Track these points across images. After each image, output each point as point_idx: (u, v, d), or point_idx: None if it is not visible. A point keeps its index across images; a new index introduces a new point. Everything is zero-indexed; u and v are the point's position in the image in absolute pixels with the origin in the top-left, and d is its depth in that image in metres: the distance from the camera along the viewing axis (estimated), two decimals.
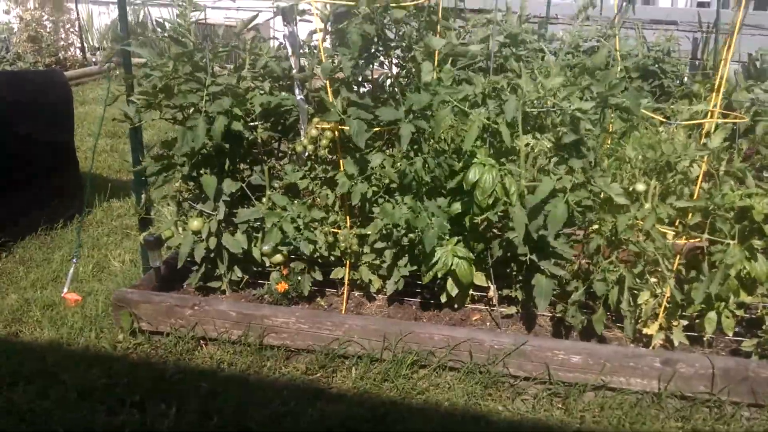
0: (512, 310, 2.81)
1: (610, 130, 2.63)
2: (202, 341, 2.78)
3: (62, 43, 9.01)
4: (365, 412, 2.35)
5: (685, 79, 6.08)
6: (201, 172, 2.67)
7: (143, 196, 2.90)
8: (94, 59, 9.48)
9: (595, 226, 2.45)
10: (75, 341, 2.81)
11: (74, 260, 3.30)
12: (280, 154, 3.02)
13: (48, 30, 8.67)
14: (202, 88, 2.49)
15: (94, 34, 10.08)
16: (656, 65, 5.84)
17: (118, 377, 2.49)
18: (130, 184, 5.10)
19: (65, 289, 3.22)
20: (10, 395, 2.37)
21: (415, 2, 2.44)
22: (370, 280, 2.84)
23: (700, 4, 7.17)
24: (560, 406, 2.46)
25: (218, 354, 2.71)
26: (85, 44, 9.47)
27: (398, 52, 2.61)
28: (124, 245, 3.97)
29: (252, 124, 2.62)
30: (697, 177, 2.47)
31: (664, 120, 2.47)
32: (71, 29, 9.15)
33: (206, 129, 2.47)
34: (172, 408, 2.33)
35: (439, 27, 2.58)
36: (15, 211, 3.86)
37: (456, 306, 2.86)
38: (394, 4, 2.32)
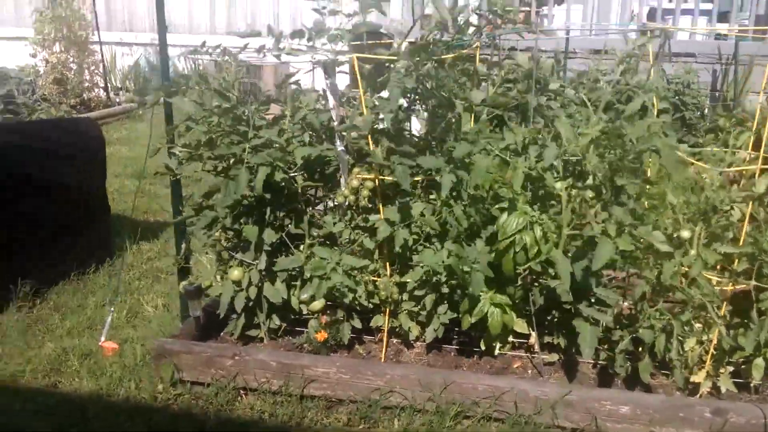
0: (554, 357, 2.78)
1: (648, 175, 2.62)
2: (242, 391, 2.77)
3: (86, 84, 9.19)
4: None
5: (706, 110, 6.09)
6: (242, 222, 2.69)
7: (183, 245, 2.93)
8: (117, 99, 9.66)
9: (640, 273, 2.43)
10: (115, 392, 2.81)
11: (111, 308, 3.31)
12: (317, 203, 3.05)
13: (73, 72, 8.85)
14: (244, 140, 2.52)
15: (117, 74, 10.29)
16: (677, 98, 5.85)
17: (159, 429, 2.48)
18: (157, 226, 5.16)
19: (102, 338, 3.23)
20: None
21: (453, 56, 2.48)
22: (409, 328, 2.83)
23: (718, 37, 7.20)
24: None
25: (259, 404, 2.70)
26: (109, 85, 9.66)
27: (434, 102, 2.64)
28: (155, 289, 3.99)
29: (292, 174, 2.65)
30: (740, 221, 2.45)
31: (708, 167, 2.46)
32: (95, 70, 9.33)
33: (248, 179, 2.50)
34: None
35: (476, 78, 2.61)
36: (48, 258, 3.90)
37: (496, 353, 2.83)
38: (435, 58, 2.36)
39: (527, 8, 7.30)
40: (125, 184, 6.41)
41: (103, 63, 9.45)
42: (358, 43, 2.61)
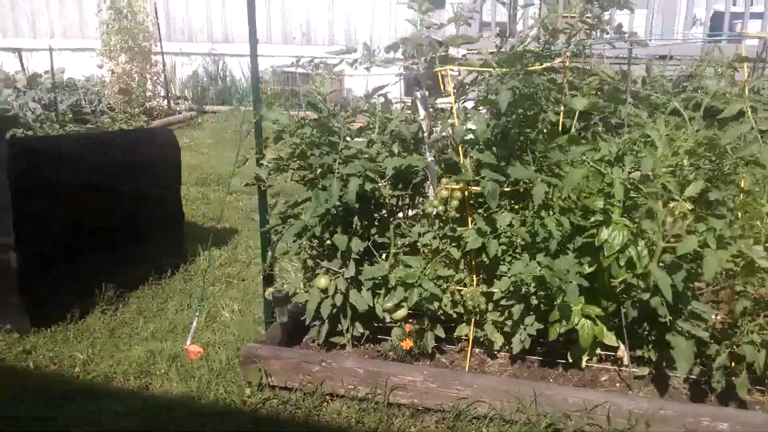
0: (644, 371, 2.74)
1: (744, 186, 2.56)
2: (328, 397, 2.81)
3: (149, 93, 9.47)
4: None
5: None
6: (331, 231, 2.73)
7: (268, 253, 2.99)
8: (177, 108, 9.92)
9: (739, 288, 2.38)
10: (204, 395, 2.88)
11: (197, 313, 3.41)
12: (399, 210, 3.08)
13: (137, 82, 9.14)
14: (335, 151, 2.57)
15: (177, 83, 10.58)
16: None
17: None
18: (224, 232, 5.28)
19: (188, 342, 3.32)
20: None
21: (545, 66, 2.48)
22: (493, 338, 2.82)
23: None
24: None
25: (345, 411, 2.73)
26: (169, 94, 9.94)
27: (522, 111, 2.64)
28: (229, 294, 4.08)
29: (380, 184, 2.68)
30: None
31: None
32: (157, 80, 9.61)
33: (339, 190, 2.54)
34: None
35: (566, 89, 2.60)
36: (129, 263, 4.04)
37: (583, 365, 2.81)
38: (528, 69, 2.36)
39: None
40: (190, 191, 6.58)
41: (164, 73, 9.73)
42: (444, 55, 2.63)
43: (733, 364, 2.56)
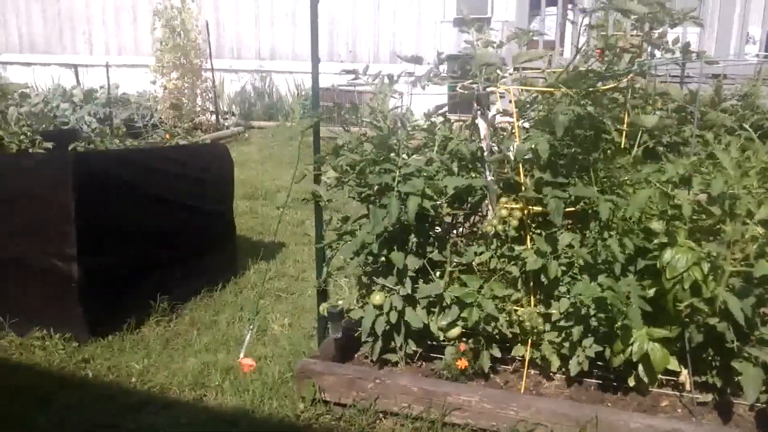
0: (708, 397, 2.66)
1: None
2: (381, 414, 2.81)
3: (198, 109, 9.70)
4: None
5: None
6: (388, 248, 2.74)
7: (324, 269, 3.02)
8: (225, 123, 10.13)
9: None
10: (259, 409, 2.91)
11: (250, 327, 3.45)
12: (454, 230, 3.07)
13: (187, 97, 9.37)
14: (394, 168, 2.59)
15: (225, 99, 10.82)
16: None
17: None
18: (272, 246, 5.35)
19: (241, 355, 3.36)
20: None
21: (608, 87, 2.46)
22: (550, 360, 2.78)
23: None
24: None
25: (399, 429, 2.72)
26: (218, 109, 10.16)
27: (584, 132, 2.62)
28: (279, 308, 4.12)
29: (438, 203, 2.69)
30: None
31: None
32: (206, 96, 9.84)
33: (398, 207, 2.55)
34: None
35: (628, 106, 2.57)
36: (183, 276, 4.12)
37: (644, 390, 2.74)
38: (592, 89, 2.35)
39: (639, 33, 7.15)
40: (238, 205, 6.67)
41: (214, 89, 9.96)
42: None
43: None
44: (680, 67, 2.65)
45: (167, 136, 8.02)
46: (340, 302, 3.00)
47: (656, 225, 2.46)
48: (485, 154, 2.56)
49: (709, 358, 2.61)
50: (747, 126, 2.51)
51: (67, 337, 3.52)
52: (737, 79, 5.25)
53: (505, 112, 2.68)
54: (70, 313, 3.51)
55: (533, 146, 2.36)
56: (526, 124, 2.86)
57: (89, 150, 4.50)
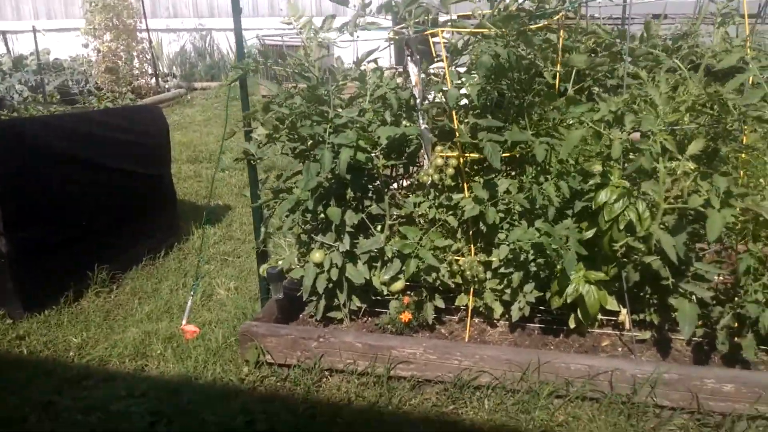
0: (646, 334, 2.70)
1: (746, 142, 2.49)
2: (327, 373, 2.77)
3: (136, 71, 9.31)
4: None
5: None
6: (324, 204, 2.66)
7: (262, 229, 2.93)
8: (166, 86, 9.77)
9: (743, 247, 2.33)
10: (202, 375, 2.84)
11: (192, 292, 3.35)
12: (393, 181, 3.00)
13: (123, 60, 8.97)
14: (325, 121, 2.49)
15: (165, 61, 10.41)
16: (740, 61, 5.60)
17: (255, 414, 2.50)
18: (218, 210, 5.21)
19: (183, 321, 3.28)
20: None
21: (540, 26, 2.39)
22: (493, 307, 2.77)
23: None
24: None
25: (345, 386, 2.70)
26: (157, 71, 9.77)
27: (517, 74, 2.55)
28: (225, 272, 4.03)
29: (374, 154, 2.61)
30: None
31: None
32: (144, 58, 9.44)
33: (331, 160, 2.47)
34: None
35: (560, 48, 2.51)
36: (123, 244, 3.98)
37: (583, 331, 2.77)
38: (522, 28, 2.27)
39: None
40: (182, 169, 6.49)
41: (151, 50, 9.56)
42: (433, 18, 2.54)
43: (736, 325, 2.52)
44: (622, 9, 2.59)
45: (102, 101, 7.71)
46: (280, 262, 2.93)
47: (597, 167, 2.43)
48: (417, 101, 2.47)
49: (647, 296, 2.64)
50: (678, 61, 2.48)
51: (0, 315, 3.37)
52: (677, 19, 5.26)
53: (438, 57, 2.59)
54: (1, 290, 3.35)
55: (465, 91, 2.28)
56: (463, 69, 2.78)
57: (12, 118, 4.25)
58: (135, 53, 9.22)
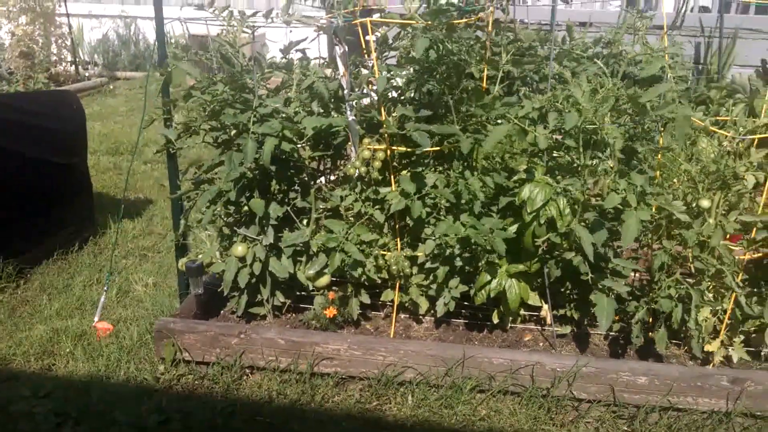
0: (566, 329, 2.75)
1: (662, 144, 2.58)
2: (248, 370, 2.69)
3: (54, 58, 8.83)
4: None
5: (689, 83, 6.12)
6: (247, 195, 2.58)
7: (181, 222, 2.81)
8: (86, 74, 9.32)
9: (657, 245, 2.41)
10: (115, 374, 2.70)
11: (105, 288, 3.18)
12: (320, 174, 2.95)
13: (40, 45, 8.49)
14: (249, 109, 2.40)
15: (85, 48, 9.93)
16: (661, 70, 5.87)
17: (169, 413, 2.39)
18: (138, 203, 5.00)
19: (96, 318, 3.11)
20: None
21: (468, 20, 2.39)
22: (419, 302, 2.76)
23: (702, 9, 7.21)
24: (626, 428, 2.41)
25: (266, 383, 2.62)
26: (77, 59, 9.30)
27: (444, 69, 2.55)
28: (143, 268, 3.86)
29: (300, 145, 2.54)
30: (757, 190, 2.43)
31: (726, 134, 2.43)
32: (63, 44, 8.97)
33: (255, 151, 2.39)
34: None
35: (488, 44, 2.52)
36: (31, 236, 3.74)
37: (507, 327, 2.80)
38: (449, 22, 2.26)
39: None
40: (101, 161, 6.20)
41: (71, 36, 9.09)
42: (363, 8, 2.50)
43: (650, 320, 2.61)
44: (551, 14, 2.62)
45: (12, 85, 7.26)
46: (200, 256, 2.81)
47: (519, 164, 2.46)
48: (345, 92, 2.43)
49: (568, 291, 2.70)
50: (600, 62, 2.54)
51: None
52: (602, 28, 5.44)
53: (368, 48, 2.56)
54: None
55: (395, 83, 2.26)
56: (393, 61, 2.76)
57: None
58: (53, 38, 8.73)
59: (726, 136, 2.42)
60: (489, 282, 2.49)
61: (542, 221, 2.29)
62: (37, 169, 3.74)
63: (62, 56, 9.04)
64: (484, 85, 2.58)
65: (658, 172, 2.63)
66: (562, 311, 2.74)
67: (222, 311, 2.97)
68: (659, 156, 2.63)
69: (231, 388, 2.58)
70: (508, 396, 2.52)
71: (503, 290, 2.48)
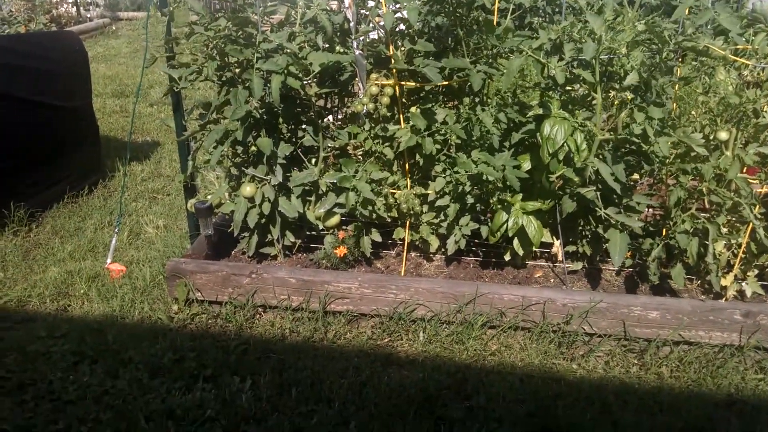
0: (578, 265, 2.74)
1: (680, 75, 2.49)
2: (260, 309, 2.71)
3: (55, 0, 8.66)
4: (443, 377, 2.30)
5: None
6: (254, 135, 2.53)
7: (189, 163, 2.78)
8: (88, 15, 9.14)
9: (672, 180, 2.36)
10: (129, 314, 2.73)
11: (116, 229, 3.19)
12: (328, 112, 2.89)
13: None
14: (252, 46, 2.33)
15: None
16: None
17: (184, 351, 2.42)
18: (146, 146, 4.97)
19: (108, 260, 3.13)
20: (80, 377, 2.29)
21: None
22: (429, 241, 2.75)
23: None
24: (636, 362, 2.42)
25: (279, 322, 2.64)
26: (78, 0, 9.11)
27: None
28: (154, 210, 3.86)
29: (306, 82, 2.48)
30: None
31: (747, 62, 2.34)
32: None
33: (262, 87, 2.32)
34: (246, 381, 2.27)
35: None
36: (41, 180, 3.73)
37: (519, 263, 2.79)
38: None
39: None
40: (107, 104, 6.14)
41: None
42: None
43: (664, 256, 2.58)
44: None
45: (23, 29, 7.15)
46: (209, 197, 2.80)
47: (534, 99, 2.39)
48: (351, 25, 2.34)
49: (580, 227, 2.66)
50: None
51: None
52: None
53: None
54: None
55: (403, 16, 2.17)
56: None
57: None
58: None
59: (747, 65, 2.32)
60: (506, 221, 2.46)
61: (560, 157, 2.24)
62: (42, 114, 3.69)
63: None
64: (495, 18, 2.47)
65: (675, 105, 2.55)
66: (573, 248, 2.71)
67: (233, 252, 2.98)
68: (676, 88, 2.55)
69: (244, 327, 2.61)
70: (518, 332, 2.53)
71: (521, 228, 2.45)
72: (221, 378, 2.30)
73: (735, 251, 2.47)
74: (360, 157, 2.70)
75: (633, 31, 2.21)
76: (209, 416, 2.11)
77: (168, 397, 2.18)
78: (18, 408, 2.16)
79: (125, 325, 2.65)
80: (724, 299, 2.52)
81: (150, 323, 2.67)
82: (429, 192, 2.62)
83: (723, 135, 2.29)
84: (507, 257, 2.69)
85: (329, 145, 2.71)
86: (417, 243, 2.82)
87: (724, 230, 2.47)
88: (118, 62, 7.61)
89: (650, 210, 2.75)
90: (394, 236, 2.78)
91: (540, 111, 2.38)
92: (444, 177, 2.51)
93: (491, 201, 2.50)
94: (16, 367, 2.35)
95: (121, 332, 2.57)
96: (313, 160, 2.73)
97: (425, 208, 2.70)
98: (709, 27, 2.30)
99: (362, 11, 2.40)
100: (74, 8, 8.93)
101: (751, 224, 2.36)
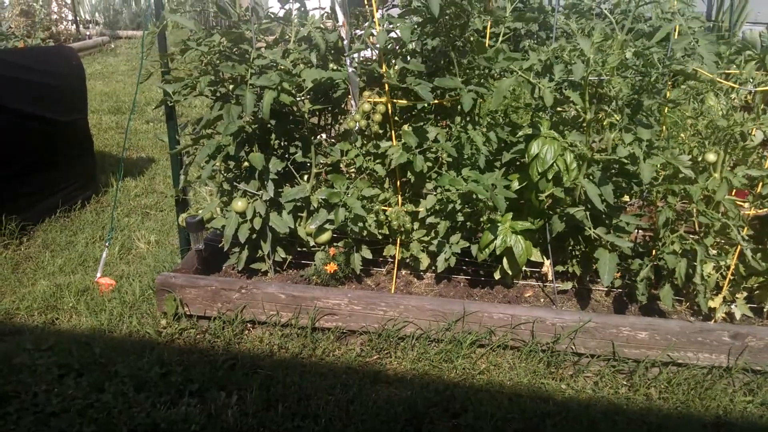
0: (568, 285, 2.74)
1: (669, 97, 2.53)
2: (249, 325, 2.70)
3: (55, 17, 8.72)
4: (431, 395, 2.29)
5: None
6: (247, 150, 2.55)
7: (181, 177, 2.79)
8: (87, 33, 9.21)
9: (661, 201, 2.37)
10: (117, 328, 2.72)
11: (107, 243, 3.18)
12: (321, 130, 2.91)
13: (40, 3, 8.37)
14: (246, 62, 2.36)
15: (86, 6, 9.79)
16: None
17: (170, 366, 2.40)
18: (140, 162, 4.98)
19: (98, 274, 3.12)
20: (64, 389, 2.27)
21: None
22: (419, 258, 2.75)
23: None
24: (625, 382, 2.41)
25: (267, 337, 2.63)
26: (78, 18, 9.18)
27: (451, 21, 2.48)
28: (146, 226, 3.86)
29: (299, 98, 2.50)
30: (765, 146, 2.39)
31: (735, 86, 2.37)
32: (63, 2, 8.85)
33: (254, 103, 2.35)
34: (233, 396, 2.25)
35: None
36: (33, 193, 3.73)
37: (508, 282, 2.79)
38: None
39: None
40: (103, 120, 6.16)
41: None
42: None
43: (652, 277, 2.59)
44: None
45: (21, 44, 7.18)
46: (200, 211, 2.80)
47: (523, 118, 2.41)
48: (345, 43, 2.37)
49: (570, 247, 2.67)
50: (609, 15, 2.47)
51: None
52: None
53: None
54: None
55: (397, 36, 2.20)
56: (395, 12, 2.70)
57: None
58: None
59: (735, 89, 2.36)
60: (494, 240, 2.47)
61: (549, 176, 2.26)
62: (37, 126, 3.70)
63: (63, 15, 8.94)
64: (488, 41, 2.51)
65: (664, 127, 2.58)
66: (563, 267, 2.72)
67: (223, 267, 2.97)
68: (665, 110, 2.58)
69: (232, 342, 2.60)
70: (507, 351, 2.52)
71: (509, 248, 2.45)
72: (208, 393, 2.28)
73: (723, 273, 2.48)
74: (352, 174, 2.71)
75: (621, 54, 2.25)
76: (194, 431, 2.09)
77: (153, 411, 2.16)
78: (1, 420, 2.13)
79: (113, 339, 2.63)
80: (713, 321, 2.53)
81: (138, 337, 2.65)
82: (420, 209, 2.63)
83: (711, 157, 2.31)
84: (497, 276, 2.69)
85: (321, 161, 2.72)
86: (408, 260, 2.82)
87: (713, 252, 2.49)
88: (116, 79, 7.66)
89: (640, 231, 2.77)
90: (384, 253, 2.79)
91: (530, 131, 2.40)
92: (435, 195, 2.52)
93: (481, 219, 2.51)
94: (0, 380, 2.33)
95: (109, 346, 2.55)
96: (305, 176, 2.75)
97: (416, 225, 2.71)
98: (688, 52, 2.34)
99: (356, 31, 2.44)
100: (74, 26, 8.99)
101: (739, 246, 2.37)
